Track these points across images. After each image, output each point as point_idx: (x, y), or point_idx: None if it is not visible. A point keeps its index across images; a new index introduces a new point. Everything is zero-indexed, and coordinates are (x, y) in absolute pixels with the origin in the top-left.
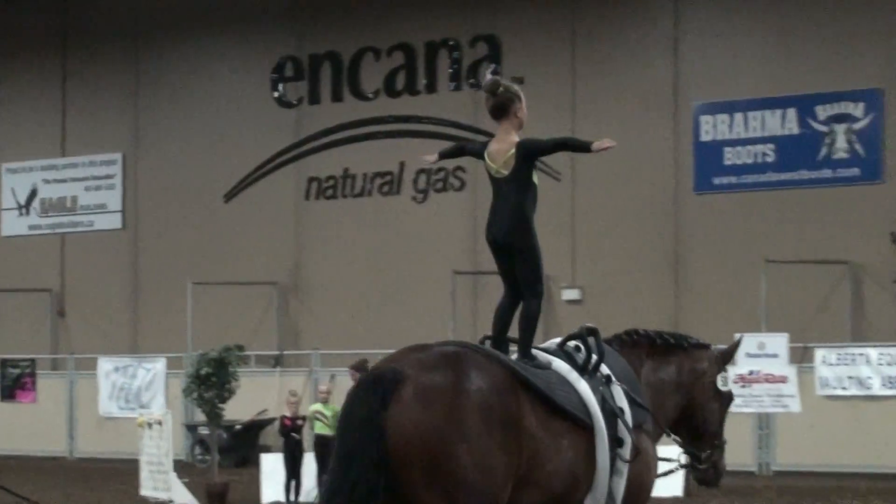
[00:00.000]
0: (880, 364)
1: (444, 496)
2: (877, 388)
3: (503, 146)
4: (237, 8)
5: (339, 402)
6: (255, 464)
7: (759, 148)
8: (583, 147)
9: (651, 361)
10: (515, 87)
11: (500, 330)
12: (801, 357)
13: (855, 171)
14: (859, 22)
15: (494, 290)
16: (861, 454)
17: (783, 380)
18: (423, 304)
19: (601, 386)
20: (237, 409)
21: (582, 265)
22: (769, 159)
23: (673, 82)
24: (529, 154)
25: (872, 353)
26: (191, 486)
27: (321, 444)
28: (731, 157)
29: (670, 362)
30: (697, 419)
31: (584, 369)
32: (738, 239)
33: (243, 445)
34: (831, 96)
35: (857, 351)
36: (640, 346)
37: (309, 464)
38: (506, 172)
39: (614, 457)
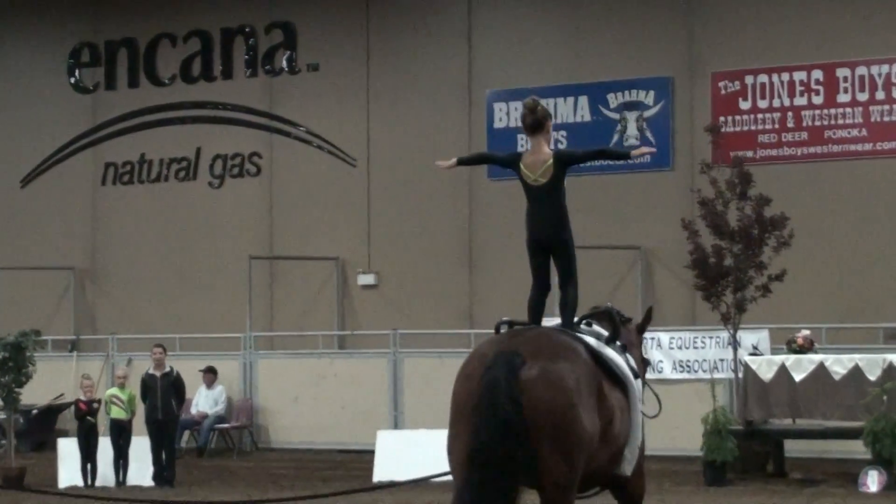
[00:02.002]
0: (671, 348)
1: (566, 456)
2: (668, 372)
3: (540, 157)
4: None
5: (135, 386)
6: (53, 448)
7: (552, 135)
8: (621, 156)
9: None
10: (546, 107)
11: (535, 320)
12: None
13: (645, 158)
14: (650, 11)
15: (289, 274)
16: (652, 437)
17: None
18: (219, 289)
19: (621, 354)
20: (34, 394)
21: (377, 250)
22: (562, 146)
23: (467, 70)
24: (567, 163)
25: (664, 337)
26: None
27: (116, 428)
28: (524, 144)
29: (622, 335)
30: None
31: (611, 340)
32: None
33: (40, 430)
34: (623, 84)
35: (648, 335)
36: (607, 321)
37: (105, 448)
38: (544, 181)
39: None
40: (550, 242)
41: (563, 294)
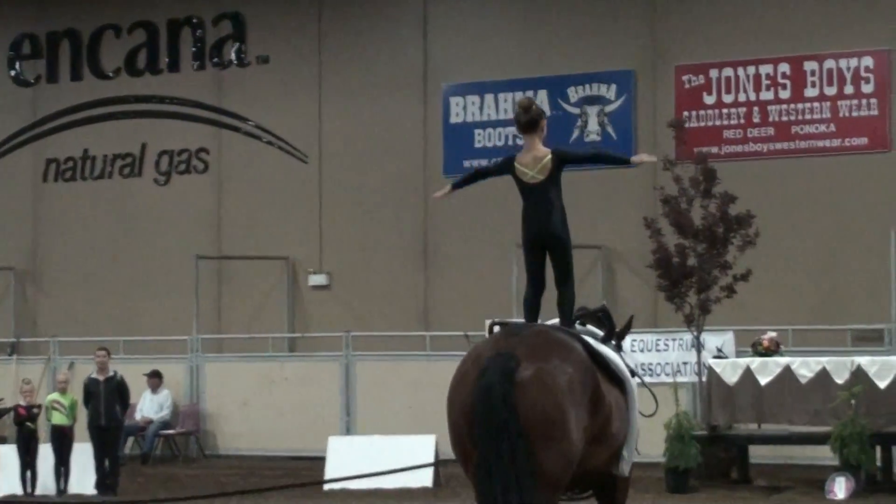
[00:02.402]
0: (633, 351)
1: (559, 455)
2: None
3: (537, 154)
4: None
5: (77, 391)
6: None
7: (510, 130)
8: (620, 160)
9: None
10: (540, 106)
11: (532, 319)
12: None
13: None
14: (612, 2)
15: (238, 275)
16: None
17: None
18: (165, 290)
19: (618, 353)
20: None
21: (329, 249)
22: (520, 142)
23: (422, 62)
24: (564, 161)
25: (625, 339)
26: None
27: (58, 435)
28: (481, 139)
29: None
30: None
31: (606, 339)
32: (488, 223)
33: None
34: (583, 78)
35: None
36: (599, 321)
37: (45, 455)
38: (541, 178)
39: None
40: (549, 240)
41: (560, 293)
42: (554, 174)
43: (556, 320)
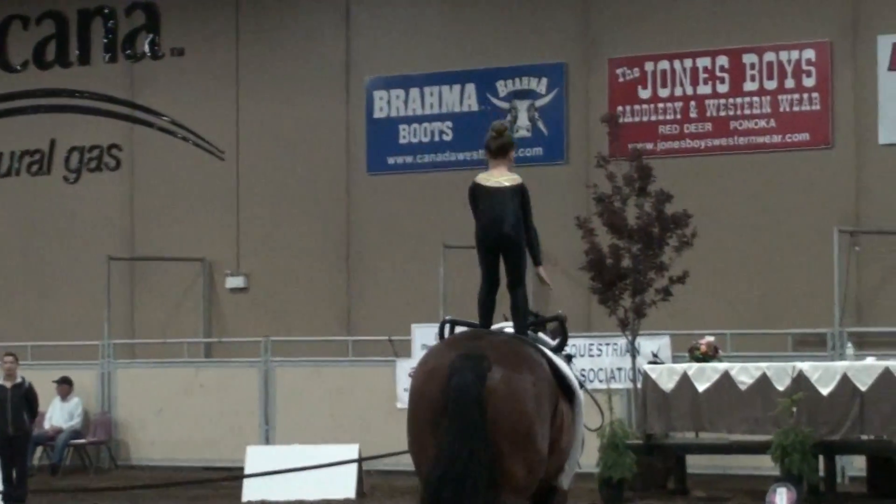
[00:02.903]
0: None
1: (525, 463)
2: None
3: (504, 174)
4: None
5: None
6: None
7: (437, 126)
8: (535, 258)
9: None
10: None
11: (486, 317)
12: None
13: (538, 150)
14: None
15: (152, 277)
16: None
17: None
18: (75, 293)
19: (568, 364)
20: None
21: (247, 250)
22: (447, 138)
23: (345, 55)
24: (525, 197)
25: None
26: None
27: None
28: (406, 135)
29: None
30: None
31: (558, 349)
32: (414, 223)
33: None
34: (513, 71)
35: None
36: (550, 330)
37: None
38: (507, 184)
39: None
40: (504, 241)
41: (513, 296)
42: (517, 189)
43: (505, 324)
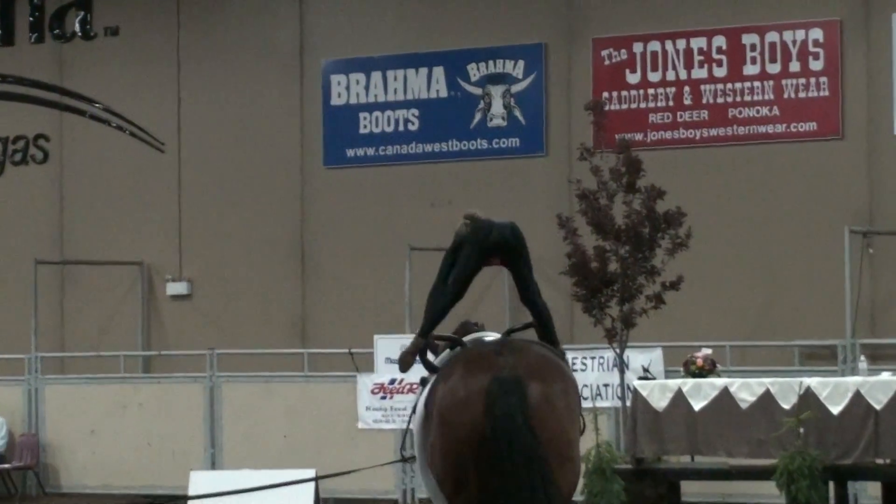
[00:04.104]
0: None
1: (570, 475)
2: None
3: None
4: None
5: None
6: None
7: (402, 113)
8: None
9: None
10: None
11: (435, 325)
12: None
13: (514, 141)
14: None
15: (84, 283)
16: None
17: None
18: None
19: None
20: None
21: (190, 253)
22: (413, 127)
23: (298, 35)
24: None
25: None
26: None
27: None
28: (367, 124)
29: None
30: None
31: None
32: (377, 221)
33: None
34: (486, 53)
35: None
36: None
37: None
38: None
39: None
40: (511, 247)
41: (536, 307)
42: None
43: (484, 333)
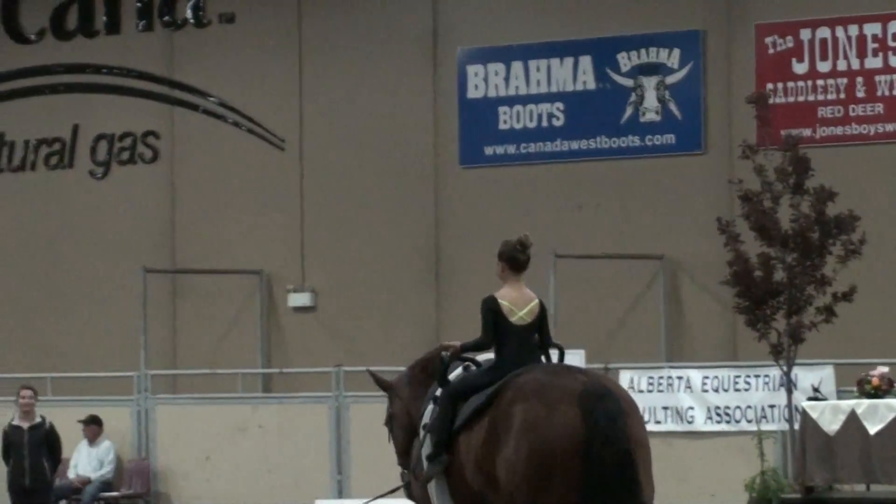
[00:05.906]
0: (705, 391)
1: (651, 478)
2: (700, 423)
3: (524, 296)
4: None
5: None
6: None
7: (545, 107)
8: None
9: None
10: None
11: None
12: None
13: (669, 137)
14: None
15: (197, 293)
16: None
17: None
18: (104, 314)
19: None
20: None
21: (314, 261)
22: (558, 122)
23: (432, 21)
24: (544, 315)
25: (695, 376)
26: None
27: None
28: (507, 119)
29: None
30: None
31: None
32: (518, 226)
33: None
34: (638, 40)
35: (675, 373)
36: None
37: None
38: (529, 320)
39: None
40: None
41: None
42: (538, 321)
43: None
